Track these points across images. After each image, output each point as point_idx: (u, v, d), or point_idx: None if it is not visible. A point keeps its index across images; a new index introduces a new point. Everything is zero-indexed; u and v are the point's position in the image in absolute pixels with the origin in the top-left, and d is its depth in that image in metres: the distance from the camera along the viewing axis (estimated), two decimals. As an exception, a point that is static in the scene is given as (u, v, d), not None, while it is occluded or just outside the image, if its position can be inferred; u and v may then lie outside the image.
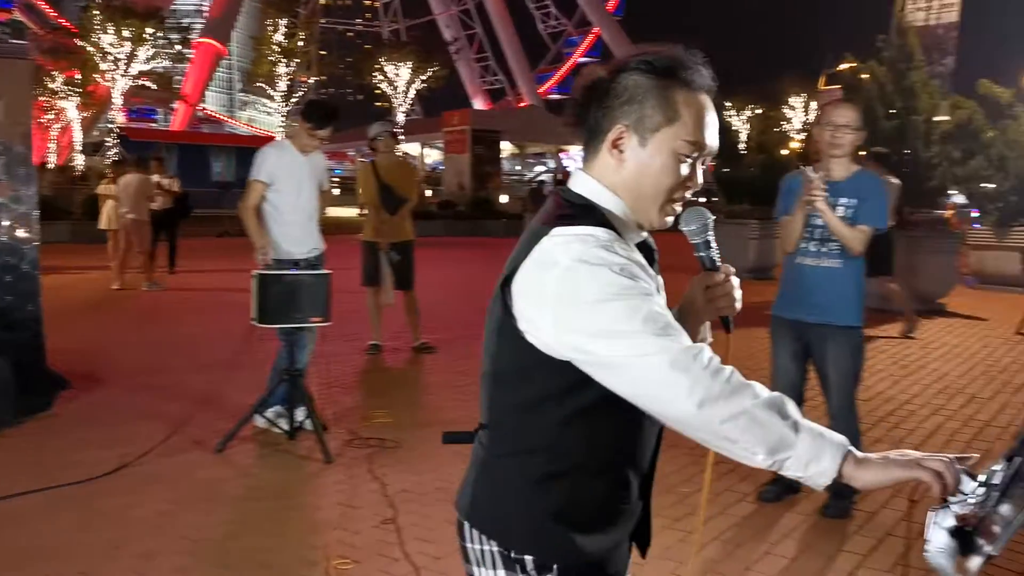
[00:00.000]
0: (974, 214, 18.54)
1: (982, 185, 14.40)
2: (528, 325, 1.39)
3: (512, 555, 1.47)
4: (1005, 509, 1.17)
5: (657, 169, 1.45)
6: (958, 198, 22.96)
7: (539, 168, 57.62)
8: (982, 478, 1.32)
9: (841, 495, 4.11)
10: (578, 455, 1.45)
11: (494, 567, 1.49)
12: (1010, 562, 3.54)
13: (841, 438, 1.28)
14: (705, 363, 1.27)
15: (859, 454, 1.28)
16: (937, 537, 1.26)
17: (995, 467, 1.30)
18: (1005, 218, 13.62)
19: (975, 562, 1.15)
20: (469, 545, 1.54)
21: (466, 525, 1.54)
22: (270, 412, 5.28)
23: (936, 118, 12.79)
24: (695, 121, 1.45)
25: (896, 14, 16.79)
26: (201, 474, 4.57)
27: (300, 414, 5.14)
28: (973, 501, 1.28)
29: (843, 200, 3.98)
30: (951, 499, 1.29)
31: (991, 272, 13.84)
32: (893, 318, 10.47)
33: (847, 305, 4.01)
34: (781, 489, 4.32)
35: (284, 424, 5.17)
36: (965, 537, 1.22)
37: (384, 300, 7.64)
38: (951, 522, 1.24)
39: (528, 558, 1.46)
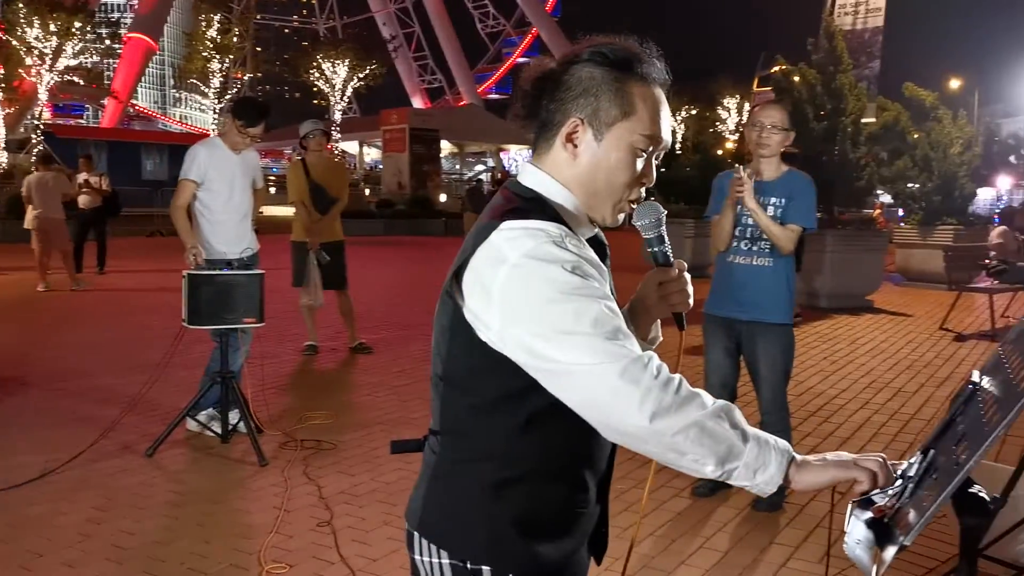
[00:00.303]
0: (900, 213, 19.09)
1: (908, 185, 14.81)
2: (477, 322, 1.34)
3: (468, 566, 1.40)
4: (919, 499, 1.21)
5: (613, 164, 1.41)
6: (885, 198, 23.62)
7: (479, 167, 57.64)
8: (899, 471, 1.36)
9: (773, 488, 4.18)
10: (535, 459, 1.40)
11: None
12: (930, 549, 3.65)
13: (784, 444, 1.28)
14: (655, 373, 1.24)
15: (799, 457, 1.29)
16: (856, 530, 1.28)
17: (911, 460, 1.34)
18: (929, 217, 14.03)
19: (889, 552, 1.18)
20: (418, 557, 1.47)
21: (416, 536, 1.47)
22: (202, 415, 5.18)
23: (864, 120, 13.12)
24: (651, 115, 1.42)
25: (825, 18, 17.16)
26: (130, 479, 4.46)
27: (234, 417, 5.06)
28: (891, 493, 1.31)
29: (772, 200, 4.06)
30: (871, 492, 1.32)
31: (916, 270, 14.26)
32: (824, 315, 10.74)
33: (777, 302, 4.10)
34: (715, 484, 4.39)
35: (217, 427, 5.08)
36: (882, 528, 1.24)
37: (312, 301, 7.53)
38: (869, 514, 1.27)
39: (485, 569, 1.39)
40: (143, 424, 5.31)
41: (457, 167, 59.27)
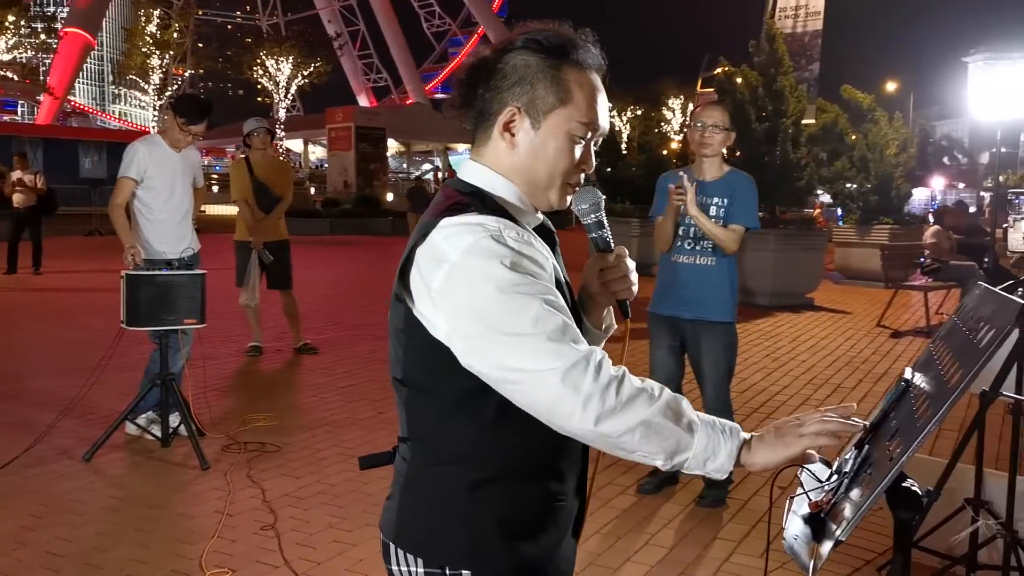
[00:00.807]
0: (839, 213, 19.50)
1: (848, 185, 15.11)
2: (427, 323, 1.33)
3: (447, 572, 1.37)
4: (854, 494, 1.23)
5: (552, 152, 1.40)
6: (825, 197, 24.09)
7: (426, 166, 57.42)
8: (835, 466, 1.38)
9: (716, 485, 4.25)
10: (508, 456, 1.38)
11: None
12: (867, 542, 3.74)
13: (734, 427, 1.29)
14: (596, 374, 1.22)
15: (748, 437, 1.30)
16: (793, 525, 1.31)
17: (846, 456, 1.37)
18: (866, 217, 14.36)
19: (826, 547, 1.20)
20: (395, 568, 1.44)
21: (392, 547, 1.44)
22: (142, 418, 5.08)
23: (804, 121, 13.37)
24: (588, 101, 1.41)
25: (766, 21, 17.37)
26: (67, 485, 4.35)
27: (174, 420, 4.96)
28: (828, 488, 1.34)
29: (715, 199, 4.12)
30: (808, 488, 1.35)
31: (855, 268, 14.58)
32: (766, 313, 10.93)
33: (721, 301, 4.15)
34: (660, 480, 4.44)
35: (157, 430, 4.99)
36: (819, 523, 1.27)
37: (249, 300, 7.40)
38: (806, 510, 1.30)
39: (465, 573, 1.37)
40: (81, 428, 5.18)
41: (404, 166, 58.95)
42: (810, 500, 1.31)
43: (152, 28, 44.34)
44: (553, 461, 1.42)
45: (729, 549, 3.77)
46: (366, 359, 7.50)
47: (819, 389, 6.79)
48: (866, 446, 1.32)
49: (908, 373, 1.40)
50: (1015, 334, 3.09)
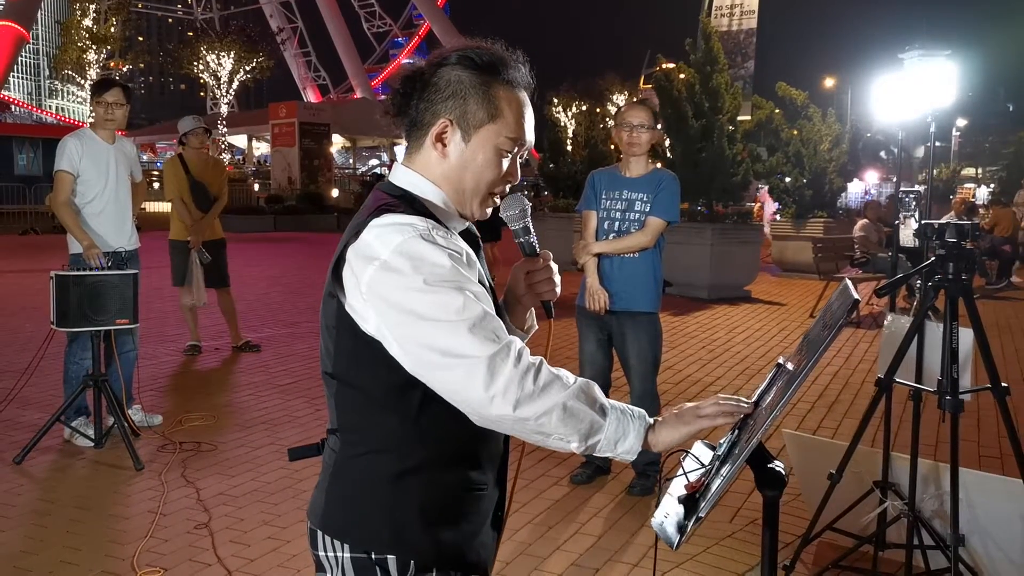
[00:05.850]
0: (775, 206, 19.87)
1: (786, 179, 15.43)
2: (358, 317, 1.40)
3: (372, 557, 1.44)
4: (724, 471, 1.32)
5: (480, 164, 1.48)
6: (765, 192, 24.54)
7: (373, 162, 56.98)
8: (716, 450, 1.48)
9: (645, 475, 4.37)
10: (431, 447, 1.45)
11: (344, 574, 1.48)
12: (788, 526, 3.87)
13: (640, 412, 1.39)
14: (516, 361, 1.30)
15: (652, 421, 1.39)
16: (666, 505, 1.40)
17: (722, 440, 1.46)
18: (801, 211, 14.69)
19: (691, 524, 1.29)
20: (321, 553, 1.51)
21: (319, 533, 1.51)
22: (75, 420, 5.03)
23: (740, 117, 13.63)
24: (516, 118, 1.49)
25: (702, 20, 17.65)
26: (-5, 489, 4.30)
27: (108, 421, 4.93)
28: (707, 469, 1.43)
29: (640, 195, 4.24)
30: (688, 470, 1.44)
31: (790, 260, 14.92)
32: (704, 305, 11.14)
33: (643, 292, 4.26)
34: (592, 471, 4.54)
35: (90, 432, 4.95)
36: (693, 503, 1.36)
37: (196, 301, 7.36)
38: (681, 491, 1.39)
39: (390, 558, 1.44)
40: (11, 431, 5.11)
41: (350, 161, 58.43)
42: (688, 482, 1.40)
43: (88, 22, 43.21)
44: (474, 452, 1.50)
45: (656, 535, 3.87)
46: (306, 356, 7.49)
47: (751, 380, 6.97)
48: (736, 430, 1.42)
49: (781, 360, 1.50)
50: (900, 323, 3.24)
